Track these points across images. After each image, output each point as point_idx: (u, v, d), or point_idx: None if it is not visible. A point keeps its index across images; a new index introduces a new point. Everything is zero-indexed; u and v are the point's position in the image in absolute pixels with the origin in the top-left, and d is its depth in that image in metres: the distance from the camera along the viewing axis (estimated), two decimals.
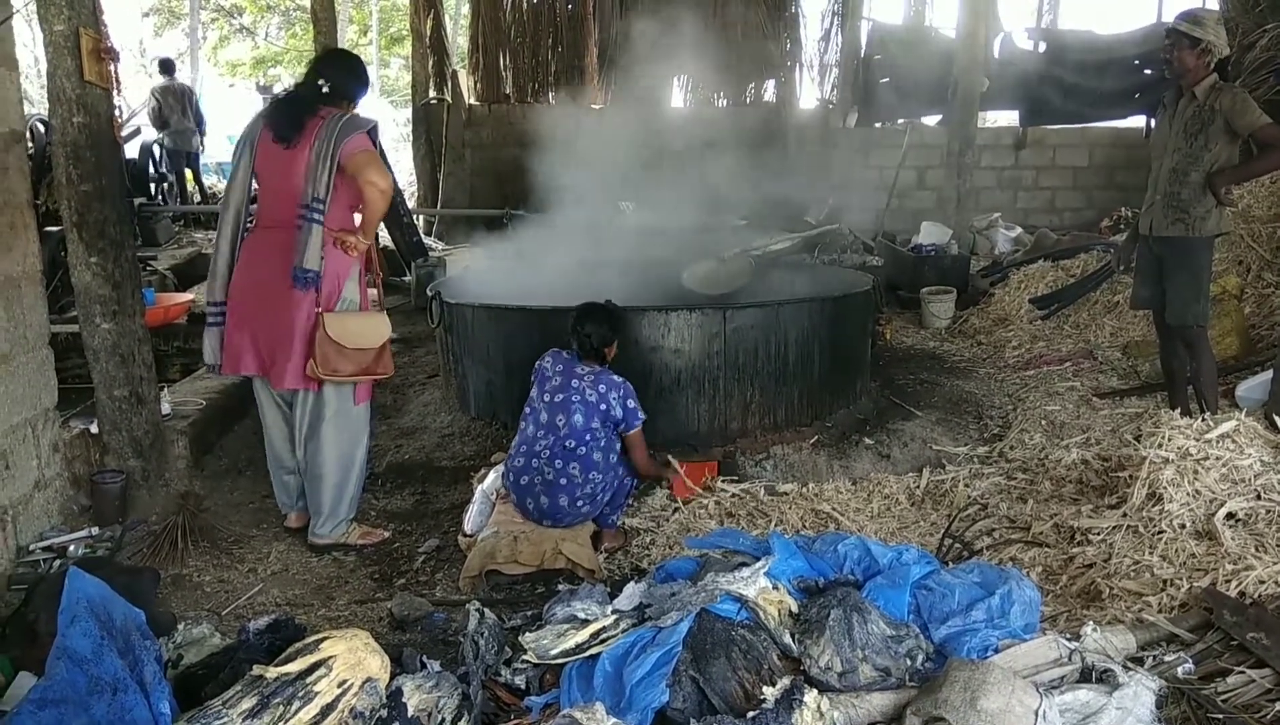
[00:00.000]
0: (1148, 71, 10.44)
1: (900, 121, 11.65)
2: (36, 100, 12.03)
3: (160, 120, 11.16)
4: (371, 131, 3.44)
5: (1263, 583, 2.73)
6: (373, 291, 4.06)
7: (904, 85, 11.04)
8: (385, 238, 9.55)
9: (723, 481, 4.05)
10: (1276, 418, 3.60)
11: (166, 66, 11.64)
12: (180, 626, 2.54)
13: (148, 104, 11.24)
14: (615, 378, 3.55)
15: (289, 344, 3.40)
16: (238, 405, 4.79)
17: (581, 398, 3.47)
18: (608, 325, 3.63)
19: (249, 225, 3.57)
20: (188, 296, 6.44)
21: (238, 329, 3.50)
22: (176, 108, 11.23)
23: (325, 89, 3.44)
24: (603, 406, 3.47)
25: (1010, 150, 11.30)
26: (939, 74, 10.20)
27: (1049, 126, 11.30)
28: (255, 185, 3.57)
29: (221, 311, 3.54)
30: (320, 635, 2.15)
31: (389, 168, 4.19)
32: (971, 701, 1.99)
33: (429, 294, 5.09)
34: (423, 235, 9.80)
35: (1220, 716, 2.18)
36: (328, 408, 3.54)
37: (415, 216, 10.36)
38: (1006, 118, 12.00)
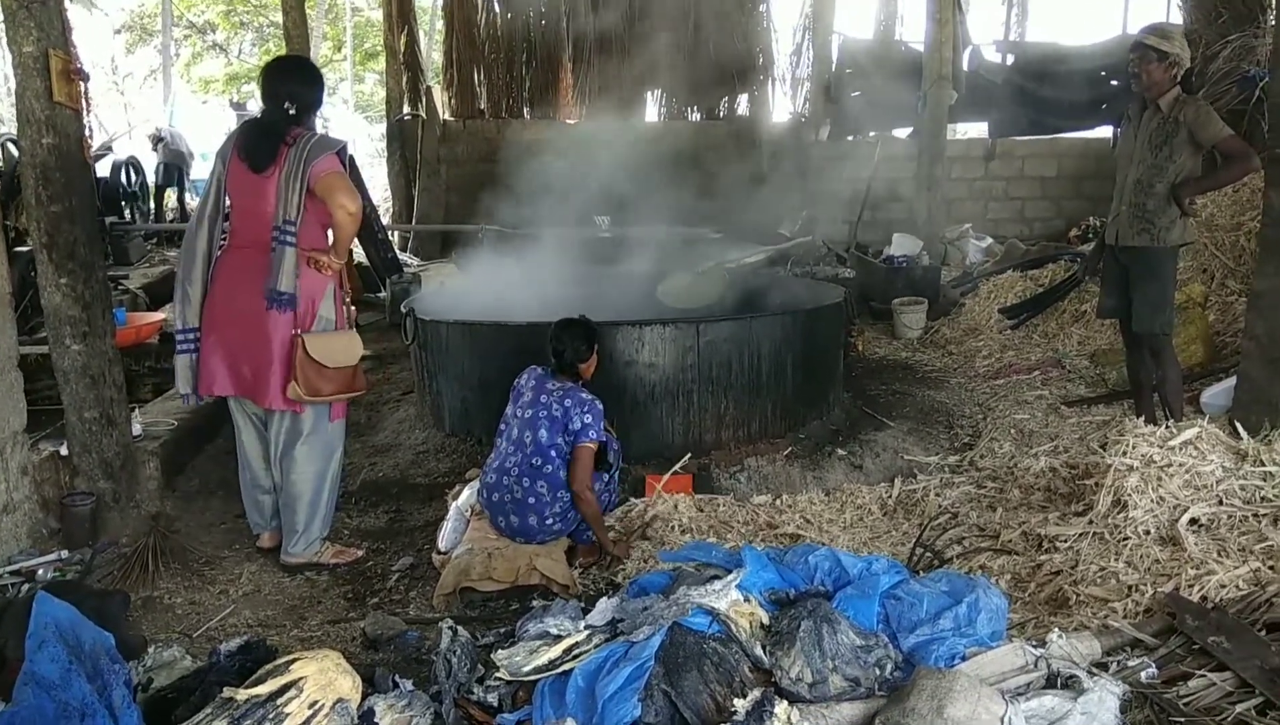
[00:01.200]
0: (1114, 82, 10.62)
1: (871, 134, 11.79)
2: (6, 119, 12.04)
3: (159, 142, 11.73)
4: (341, 152, 3.45)
5: (1224, 587, 2.78)
6: (353, 309, 4.07)
7: (874, 98, 11.17)
8: (360, 254, 9.55)
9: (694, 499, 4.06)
10: (1239, 424, 3.67)
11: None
12: (151, 649, 2.53)
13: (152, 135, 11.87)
14: (584, 394, 3.55)
15: (267, 366, 3.41)
16: (209, 426, 4.76)
17: (548, 413, 3.48)
18: (583, 340, 3.64)
19: (221, 245, 3.56)
20: (159, 316, 6.39)
21: (213, 351, 3.49)
22: (172, 139, 11.96)
23: (292, 110, 3.45)
24: (566, 422, 3.47)
25: (980, 161, 11.44)
26: (909, 87, 10.33)
27: (1018, 138, 11.46)
28: (228, 205, 3.57)
29: (192, 337, 3.52)
30: (291, 656, 2.15)
31: (361, 186, 4.21)
32: (939, 710, 2.02)
33: (403, 311, 5.09)
34: (397, 251, 9.79)
35: (1182, 720, 2.21)
36: (304, 425, 3.54)
37: (390, 233, 10.34)
38: (976, 129, 12.17)
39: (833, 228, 10.18)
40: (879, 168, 10.13)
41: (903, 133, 11.63)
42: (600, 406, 3.55)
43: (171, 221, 10.99)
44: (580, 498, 3.49)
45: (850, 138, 12.02)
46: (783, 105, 13.09)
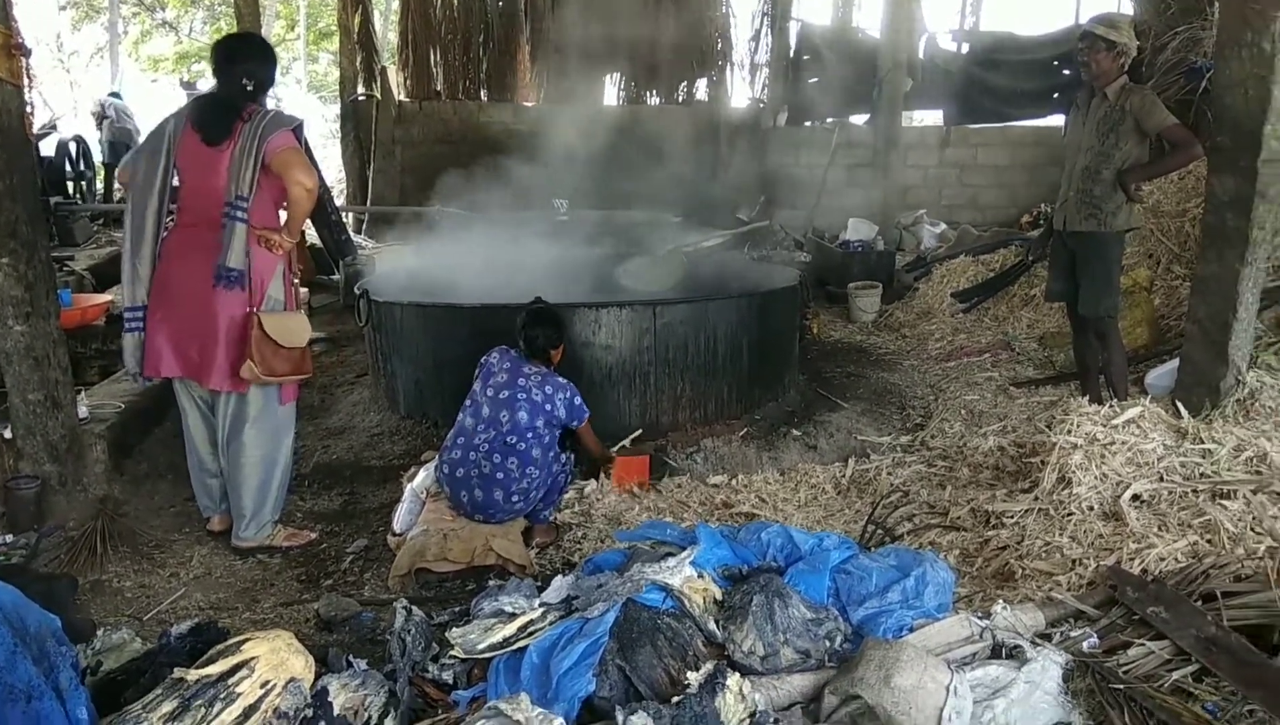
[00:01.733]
0: (1065, 72, 10.80)
1: (829, 121, 11.87)
2: None
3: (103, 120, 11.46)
4: (297, 129, 3.41)
5: (1163, 559, 2.88)
6: (304, 290, 4.01)
7: (832, 85, 11.25)
8: (313, 235, 9.40)
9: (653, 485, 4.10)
10: (1181, 404, 3.78)
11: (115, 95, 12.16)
12: (100, 632, 2.49)
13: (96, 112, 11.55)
14: (560, 380, 3.64)
15: (214, 346, 3.36)
16: (157, 408, 4.68)
17: (528, 396, 3.52)
18: (555, 328, 3.74)
19: (169, 224, 3.50)
20: (106, 297, 6.25)
21: (159, 330, 3.43)
22: (120, 115, 11.58)
23: (249, 86, 3.39)
24: (548, 407, 3.54)
25: (935, 149, 11.58)
26: (866, 74, 10.42)
27: (972, 126, 11.61)
28: (176, 181, 3.50)
29: (140, 315, 3.46)
30: (242, 637, 2.13)
31: (315, 165, 4.14)
32: (886, 679, 2.07)
33: (357, 292, 5.04)
34: (351, 233, 9.67)
35: (1121, 687, 2.28)
36: (251, 409, 3.50)
37: (344, 214, 10.20)
38: (932, 117, 12.29)
39: (790, 213, 10.24)
40: (836, 154, 10.22)
41: (860, 119, 11.72)
42: (575, 386, 3.68)
43: (119, 201, 10.75)
44: (598, 457, 4.02)
45: (808, 124, 12.09)
46: (741, 91, 13.14)
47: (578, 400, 3.65)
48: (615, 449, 4.18)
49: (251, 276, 3.37)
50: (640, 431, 4.41)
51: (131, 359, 3.52)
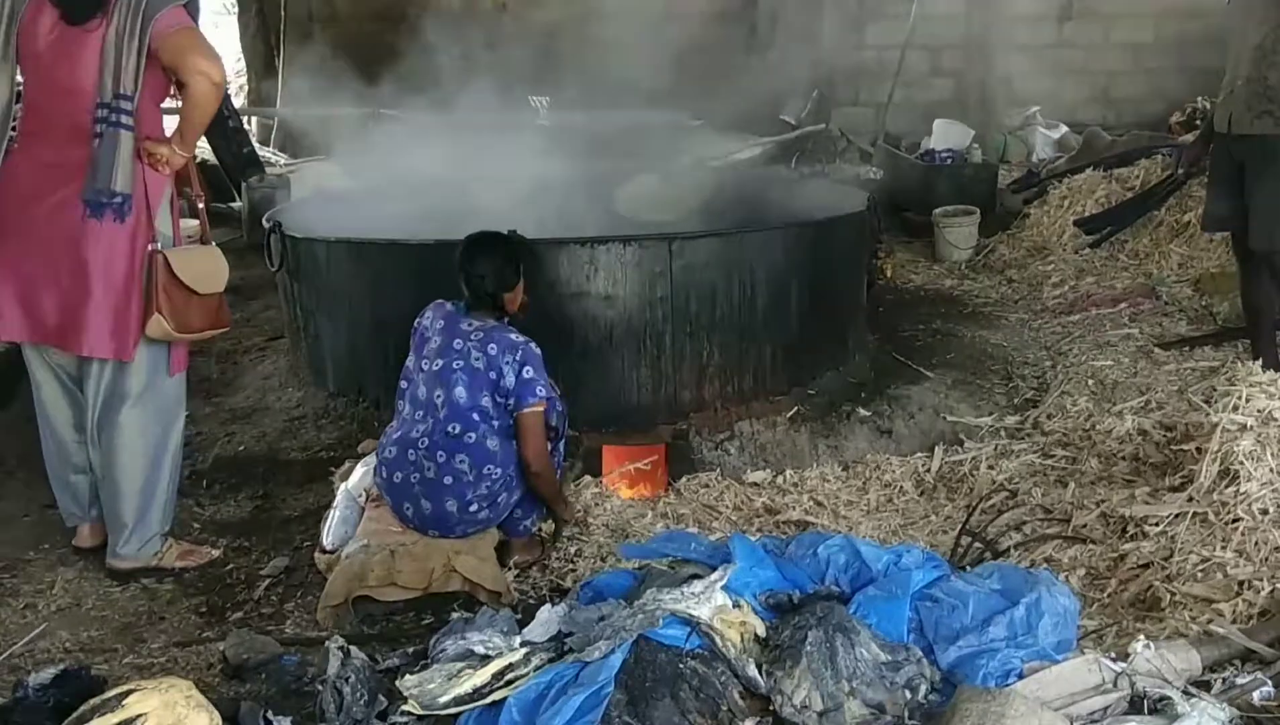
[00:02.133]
0: None
1: None
2: None
3: None
4: (189, 5, 3.39)
5: None
6: (193, 222, 4.02)
7: None
8: (205, 149, 9.37)
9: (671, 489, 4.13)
10: None
11: None
12: None
13: None
14: (512, 336, 3.52)
15: (85, 298, 3.36)
16: (2, 386, 4.71)
17: (465, 363, 3.46)
18: (506, 262, 3.61)
19: (11, 138, 3.48)
20: None
21: (2, 282, 3.44)
22: None
23: None
24: (492, 374, 3.45)
25: (1053, 23, 11.43)
26: None
27: None
28: (20, 80, 3.48)
29: None
30: (125, 688, 2.16)
31: None
32: None
33: (266, 225, 5.03)
34: (255, 145, 9.64)
35: None
36: (132, 382, 3.51)
37: (245, 119, 10.17)
38: None
39: (854, 112, 10.16)
40: (915, 30, 10.10)
41: None
42: (537, 350, 3.52)
43: None
44: (537, 475, 3.56)
45: None
46: None
47: (529, 371, 3.46)
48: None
49: (135, 204, 3.36)
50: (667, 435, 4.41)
51: None
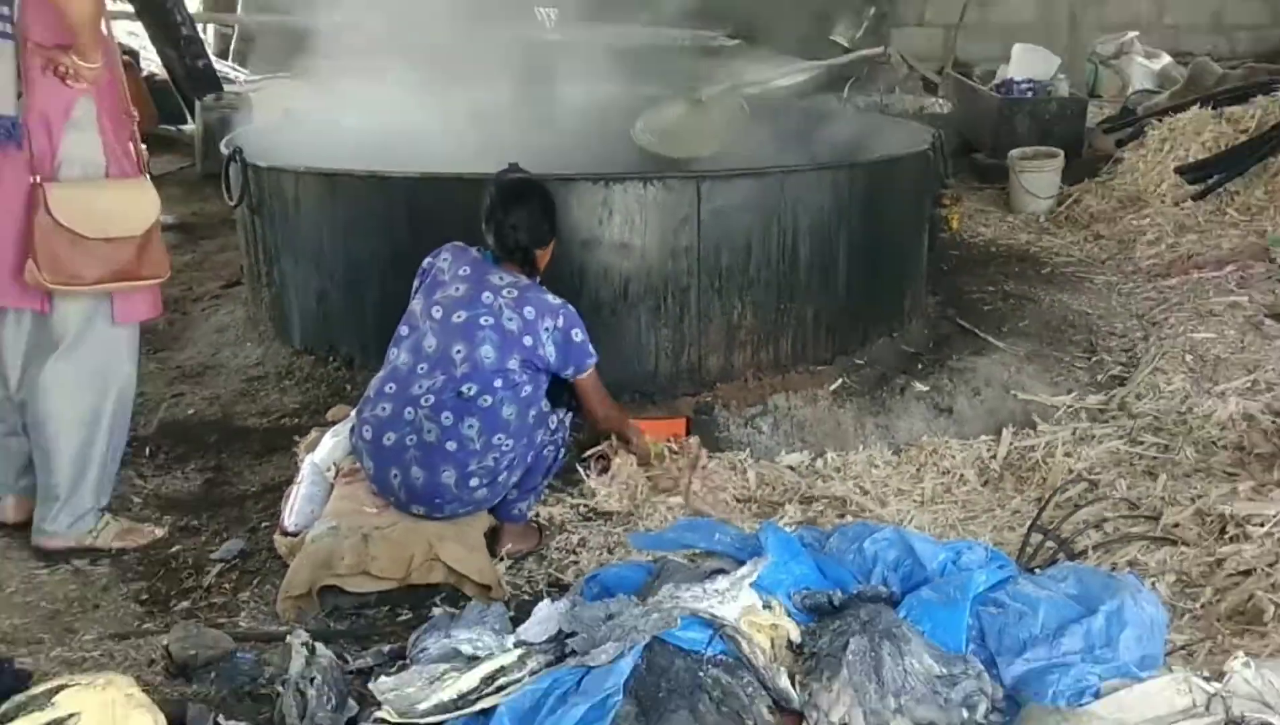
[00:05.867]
0: None
1: None
2: None
3: None
4: None
5: None
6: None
7: None
8: (154, 62, 9.39)
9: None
10: None
11: None
12: None
13: None
14: (551, 298, 3.60)
15: None
16: None
17: (496, 322, 3.50)
18: (544, 214, 3.68)
19: None
20: None
21: None
22: None
23: None
24: (527, 340, 3.51)
25: None
26: None
27: None
28: None
29: None
30: (55, 683, 2.18)
31: None
32: None
33: (225, 152, 5.04)
34: (212, 58, 9.64)
35: None
36: (58, 332, 3.53)
37: (201, 26, 10.16)
38: None
39: (918, 35, 10.09)
40: None
41: None
42: (574, 310, 3.64)
43: None
44: (608, 423, 4.02)
45: None
46: None
47: (578, 332, 3.60)
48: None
49: (32, 126, 3.36)
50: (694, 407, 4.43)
51: None
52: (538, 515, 3.84)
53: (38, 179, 3.37)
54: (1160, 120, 7.91)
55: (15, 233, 3.39)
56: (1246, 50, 10.93)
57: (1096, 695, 2.44)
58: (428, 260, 3.72)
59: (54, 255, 3.36)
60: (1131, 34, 10.21)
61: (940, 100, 8.39)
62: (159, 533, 3.82)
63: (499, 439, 3.51)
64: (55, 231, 3.35)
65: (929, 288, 5.60)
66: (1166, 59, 9.93)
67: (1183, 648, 2.94)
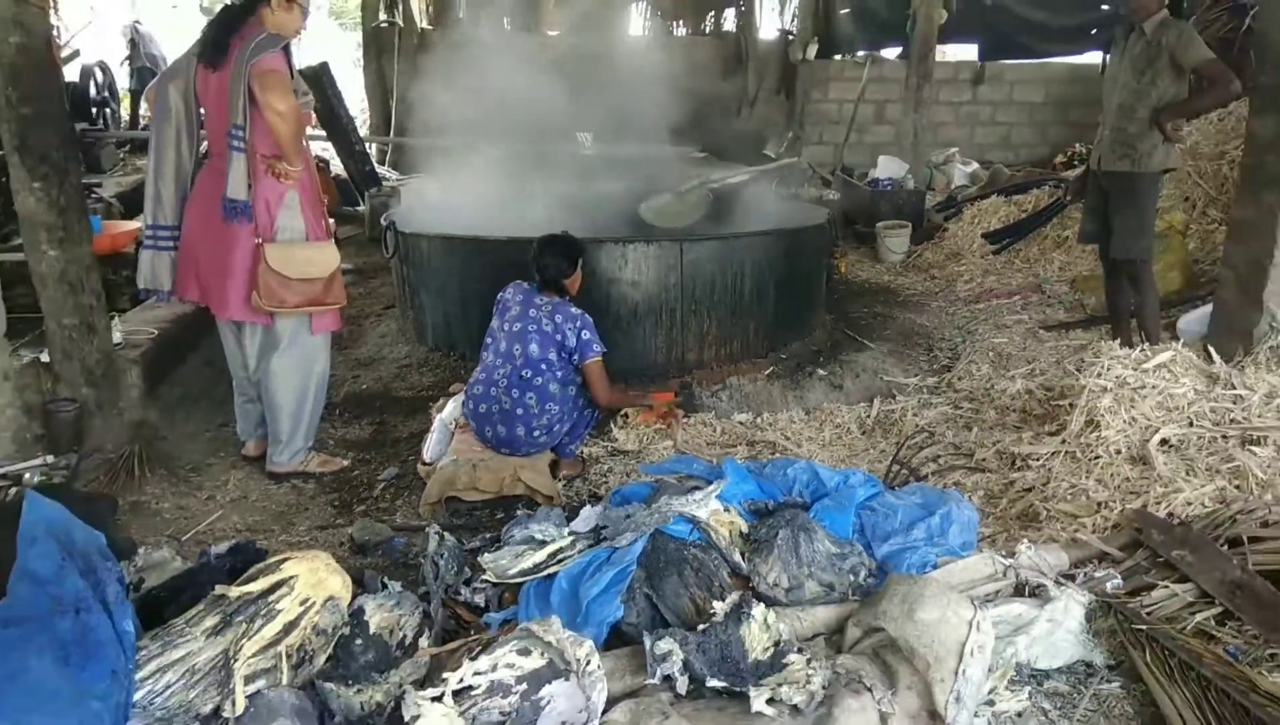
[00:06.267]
0: (1104, 6, 10.46)
1: (860, 54, 11.58)
2: None
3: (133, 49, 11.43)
4: (286, 48, 3.30)
5: (1190, 504, 2.88)
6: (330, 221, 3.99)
7: (864, 16, 10.96)
8: (340, 167, 9.33)
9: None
10: (1213, 350, 3.74)
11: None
12: (140, 551, 2.54)
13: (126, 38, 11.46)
14: (573, 309, 3.57)
15: (225, 276, 3.37)
16: (190, 335, 4.73)
17: (538, 327, 3.49)
18: (565, 256, 3.63)
19: (203, 156, 3.49)
20: (135, 224, 6.25)
21: (186, 256, 3.47)
22: (146, 42, 11.59)
23: None
24: (558, 337, 3.49)
25: (968, 85, 11.31)
26: (899, 5, 10.12)
27: (1007, 61, 11.31)
28: (202, 112, 3.47)
29: (163, 234, 3.47)
30: (282, 556, 2.18)
31: (338, 96, 4.10)
32: (909, 613, 2.09)
33: (383, 224, 5.03)
34: (375, 164, 9.63)
35: (1144, 628, 2.31)
36: (280, 338, 3.52)
37: (368, 145, 10.14)
38: (967, 52, 11.95)
39: (819, 149, 10.07)
40: (866, 89, 9.99)
41: (892, 53, 11.44)
42: (590, 319, 3.57)
43: (144, 129, 10.73)
44: (608, 405, 3.74)
45: (838, 57, 11.81)
46: (770, 22, 12.82)
47: (587, 333, 3.51)
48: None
49: (257, 206, 3.34)
50: (680, 384, 4.40)
51: (143, 276, 3.53)
52: (583, 453, 3.83)
53: (260, 241, 3.35)
54: (972, 204, 7.89)
55: (248, 276, 3.37)
56: (1026, 159, 10.89)
57: (934, 567, 2.45)
58: (500, 293, 3.70)
59: (269, 288, 3.34)
60: (953, 149, 10.17)
61: (832, 192, 8.36)
62: (345, 463, 3.82)
63: (549, 406, 3.50)
64: (269, 273, 3.34)
65: (826, 309, 5.58)
66: (975, 165, 9.88)
67: (988, 537, 2.95)
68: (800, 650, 2.14)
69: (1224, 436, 3.15)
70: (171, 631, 2.00)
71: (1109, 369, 3.43)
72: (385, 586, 2.33)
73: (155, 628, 2.06)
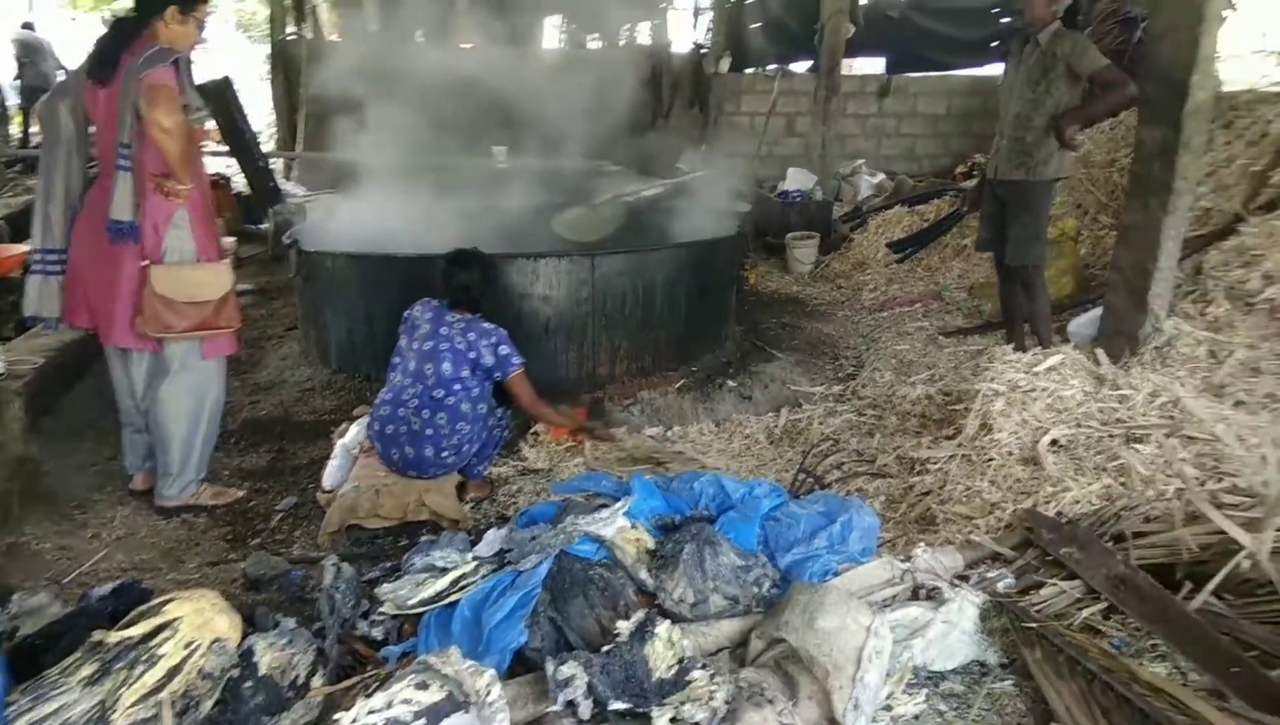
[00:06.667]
0: (1004, 20, 10.83)
1: (771, 67, 11.76)
2: None
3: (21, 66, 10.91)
4: (177, 62, 3.19)
5: (1078, 502, 2.98)
6: (228, 239, 3.87)
7: (774, 30, 11.12)
8: (243, 183, 9.06)
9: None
10: (1101, 352, 3.88)
11: (27, 26, 11.45)
12: (15, 597, 2.42)
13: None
14: (486, 325, 3.51)
15: (112, 300, 3.26)
16: (77, 364, 4.53)
17: (450, 346, 3.43)
18: (479, 273, 3.57)
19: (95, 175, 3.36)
20: (23, 248, 5.99)
21: (74, 279, 3.35)
22: (37, 56, 10.99)
23: (138, 12, 3.19)
24: (472, 354, 3.44)
25: (874, 98, 11.56)
26: (808, 19, 10.31)
27: (912, 75, 11.60)
28: (92, 129, 3.35)
29: (51, 258, 3.34)
30: (166, 597, 2.09)
31: (241, 112, 3.99)
32: (810, 622, 2.11)
33: (286, 242, 4.92)
34: (279, 180, 9.39)
35: (1034, 625, 2.37)
36: (170, 365, 3.40)
37: (272, 160, 9.89)
38: (873, 65, 12.23)
39: (731, 162, 10.16)
40: (777, 102, 10.15)
41: (802, 67, 11.64)
42: (505, 332, 3.53)
43: (36, 147, 10.28)
44: (538, 416, 3.78)
45: (750, 70, 11.97)
46: (684, 35, 12.94)
47: (505, 348, 3.48)
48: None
49: (145, 227, 3.23)
50: (592, 400, 4.38)
51: (31, 303, 3.39)
52: (490, 474, 3.79)
53: (146, 263, 3.23)
54: (877, 214, 8.07)
55: (133, 300, 3.26)
56: (929, 170, 11.18)
57: (835, 574, 2.48)
58: (407, 311, 3.63)
59: (154, 313, 3.23)
60: (860, 161, 10.38)
61: (744, 203, 8.44)
62: (240, 494, 3.71)
63: (460, 426, 3.45)
64: (153, 297, 3.23)
65: (737, 321, 5.63)
66: (881, 176, 10.10)
67: (888, 542, 3.00)
68: (704, 666, 2.13)
69: (1110, 435, 3.27)
70: (44, 683, 1.91)
71: (1002, 373, 3.54)
72: (277, 624, 2.25)
73: (29, 680, 1.96)
